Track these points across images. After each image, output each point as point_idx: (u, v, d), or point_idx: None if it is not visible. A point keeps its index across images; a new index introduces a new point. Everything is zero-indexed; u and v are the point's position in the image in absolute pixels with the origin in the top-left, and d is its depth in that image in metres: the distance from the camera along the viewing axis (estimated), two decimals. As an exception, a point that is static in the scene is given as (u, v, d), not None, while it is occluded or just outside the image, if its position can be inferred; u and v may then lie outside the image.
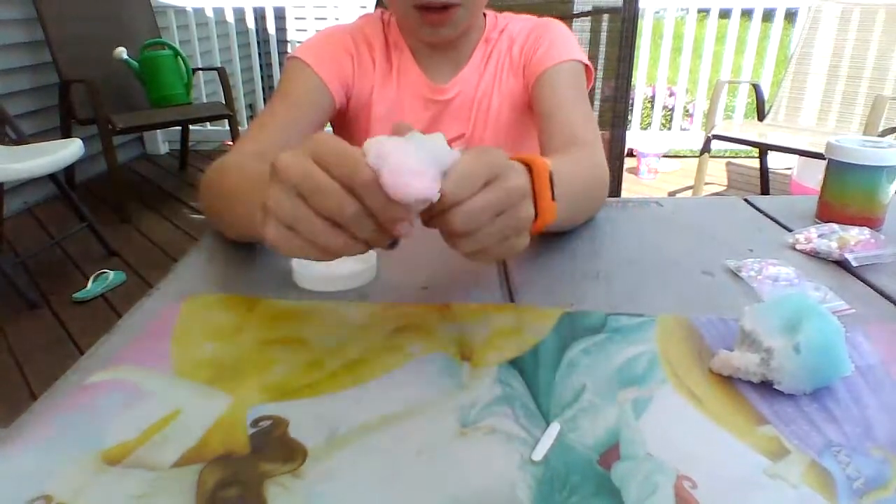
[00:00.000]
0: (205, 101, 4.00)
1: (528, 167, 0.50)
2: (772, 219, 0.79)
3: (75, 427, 0.41)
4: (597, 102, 1.25)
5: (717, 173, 3.66)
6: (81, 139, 2.43)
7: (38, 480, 0.36)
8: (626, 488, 0.36)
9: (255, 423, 0.41)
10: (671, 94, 4.07)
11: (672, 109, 4.03)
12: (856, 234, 0.67)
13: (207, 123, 3.84)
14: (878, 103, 2.44)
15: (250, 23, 4.20)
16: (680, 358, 0.48)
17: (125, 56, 3.09)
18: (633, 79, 1.43)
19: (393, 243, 0.44)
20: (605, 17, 1.25)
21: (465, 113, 0.91)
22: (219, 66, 3.60)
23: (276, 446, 0.39)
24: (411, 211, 0.41)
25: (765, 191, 3.15)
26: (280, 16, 4.65)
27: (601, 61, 1.26)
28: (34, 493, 0.35)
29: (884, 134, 2.50)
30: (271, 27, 4.10)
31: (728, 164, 3.88)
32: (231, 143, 3.79)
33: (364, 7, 3.79)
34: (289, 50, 4.76)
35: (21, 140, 2.47)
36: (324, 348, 0.50)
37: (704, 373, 0.46)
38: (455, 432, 0.40)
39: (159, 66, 3.14)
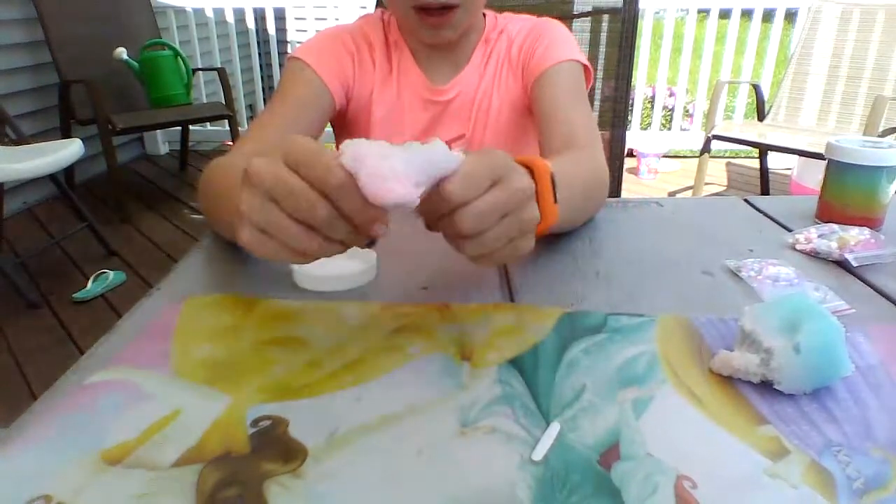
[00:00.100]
0: (205, 101, 4.00)
1: (530, 169, 0.50)
2: (772, 219, 0.79)
3: (75, 427, 0.41)
4: (597, 102, 1.25)
5: (717, 173, 3.66)
6: (81, 139, 2.43)
7: (38, 480, 0.36)
8: (626, 488, 0.36)
9: (255, 422, 0.41)
10: (671, 95, 4.07)
11: (672, 110, 4.03)
12: (856, 234, 0.67)
13: (207, 124, 3.84)
14: (878, 103, 2.44)
15: (250, 23, 4.20)
16: (680, 358, 0.48)
17: (125, 56, 3.09)
18: (633, 79, 1.43)
19: (370, 243, 0.44)
20: (605, 17, 1.25)
21: (465, 114, 0.91)
22: (219, 66, 3.60)
23: (276, 446, 0.39)
24: (388, 213, 0.41)
25: (765, 191, 3.15)
26: (280, 16, 4.65)
27: (601, 61, 1.26)
28: (34, 493, 0.35)
29: (884, 134, 2.50)
30: (271, 27, 4.10)
31: (728, 164, 3.88)
32: (231, 143, 3.79)
33: (364, 7, 3.79)
34: (289, 50, 4.76)
35: (21, 140, 2.47)
36: (324, 348, 0.50)
37: (704, 373, 0.46)
38: (455, 432, 0.40)
39: (159, 66, 3.14)
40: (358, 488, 0.36)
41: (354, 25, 0.91)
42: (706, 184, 3.08)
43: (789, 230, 0.73)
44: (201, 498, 0.35)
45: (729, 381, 0.45)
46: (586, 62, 0.88)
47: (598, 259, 0.66)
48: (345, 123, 0.94)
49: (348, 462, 0.38)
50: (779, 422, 0.41)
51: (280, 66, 4.20)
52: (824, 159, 0.76)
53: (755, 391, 0.44)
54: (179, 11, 3.95)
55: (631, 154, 3.72)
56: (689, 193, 3.25)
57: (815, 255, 0.66)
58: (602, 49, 1.26)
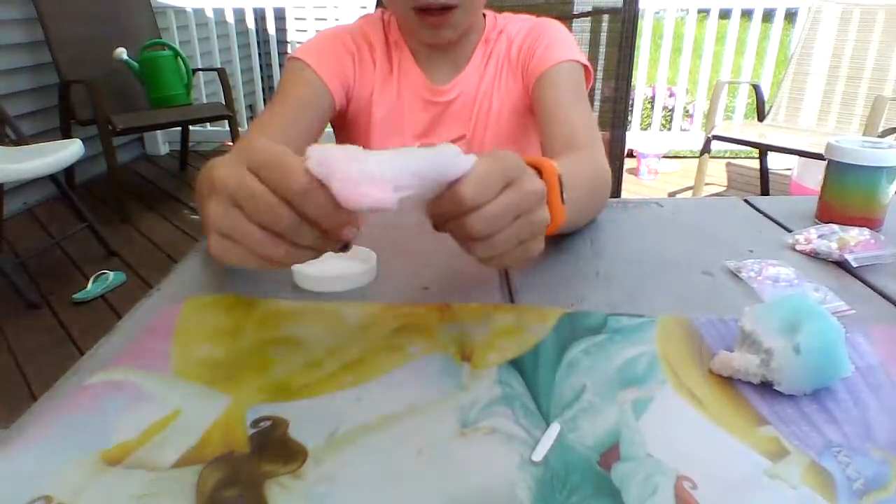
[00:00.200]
0: (205, 101, 4.00)
1: (538, 170, 0.50)
2: (772, 219, 0.79)
3: (75, 427, 0.41)
4: (597, 103, 1.26)
5: (717, 174, 3.66)
6: (81, 139, 2.43)
7: (39, 481, 0.36)
8: (626, 489, 0.36)
9: (255, 423, 0.41)
10: (671, 95, 4.07)
11: (672, 110, 4.03)
12: (856, 234, 0.67)
13: (207, 124, 3.84)
14: (878, 104, 2.44)
15: (250, 23, 4.20)
16: (680, 358, 0.48)
17: (125, 56, 3.09)
18: (633, 79, 1.43)
19: (343, 247, 0.42)
20: (605, 17, 1.25)
21: (466, 114, 0.91)
22: (219, 66, 3.60)
23: (276, 446, 0.39)
24: (357, 216, 0.40)
25: (765, 191, 3.15)
26: (280, 16, 4.65)
27: (601, 62, 1.26)
28: (34, 494, 0.35)
29: (884, 134, 2.50)
30: (271, 27, 4.10)
31: (728, 164, 3.88)
32: (231, 143, 3.79)
33: (364, 7, 3.79)
34: (289, 50, 4.76)
35: (21, 140, 2.47)
36: (324, 348, 0.50)
37: (704, 373, 0.46)
38: (455, 432, 0.40)
39: (159, 66, 3.14)
40: (358, 489, 0.36)
41: (355, 25, 0.91)
42: (706, 184, 3.08)
43: (789, 231, 0.73)
44: (201, 498, 0.35)
45: (729, 381, 0.45)
46: (586, 62, 0.88)
47: (598, 259, 0.66)
48: (345, 124, 0.94)
49: (348, 462, 0.38)
50: (779, 422, 0.41)
51: (280, 66, 4.20)
52: (824, 160, 0.76)
53: (755, 392, 0.44)
54: (179, 11, 3.95)
55: (631, 154, 3.72)
56: (689, 194, 3.25)
57: (815, 256, 0.66)
58: (602, 49, 1.26)
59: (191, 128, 3.80)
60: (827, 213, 0.75)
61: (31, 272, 2.47)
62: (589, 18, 1.27)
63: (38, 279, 2.41)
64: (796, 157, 2.84)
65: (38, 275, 2.45)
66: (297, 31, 4.88)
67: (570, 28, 1.24)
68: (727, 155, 3.99)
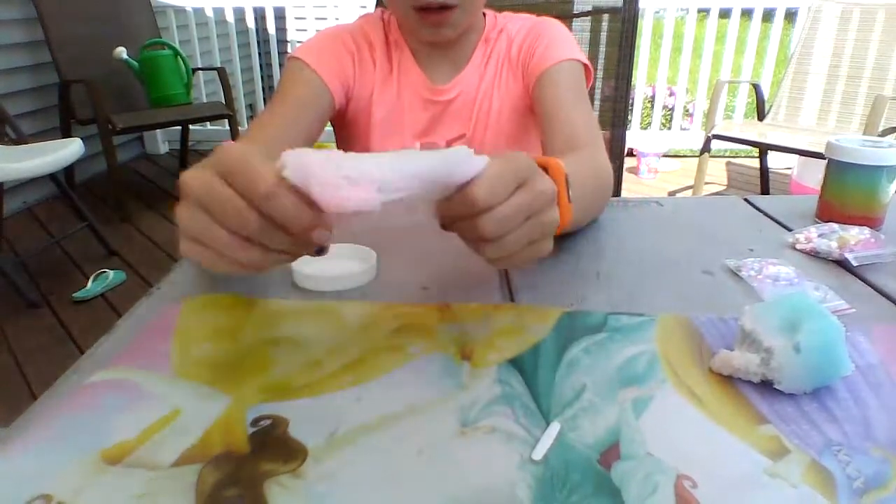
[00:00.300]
0: (205, 101, 4.00)
1: (545, 170, 0.49)
2: (772, 218, 0.79)
3: (75, 427, 0.41)
4: (597, 102, 1.26)
5: (717, 173, 3.66)
6: (81, 139, 2.43)
7: (38, 480, 0.36)
8: (626, 488, 0.36)
9: (255, 422, 0.41)
10: (671, 94, 4.07)
11: (672, 109, 4.03)
12: (856, 233, 0.67)
13: (207, 123, 3.84)
14: (878, 103, 2.44)
15: (250, 23, 4.20)
16: (680, 357, 0.48)
17: (125, 56, 3.09)
18: (633, 79, 1.43)
19: (319, 250, 0.42)
20: (605, 17, 1.25)
21: (466, 113, 0.91)
22: (219, 66, 3.60)
23: (275, 446, 0.39)
24: (329, 220, 0.39)
25: (765, 190, 3.14)
26: (280, 16, 4.65)
27: (601, 61, 1.26)
28: (34, 493, 0.35)
29: (884, 134, 2.50)
30: (271, 27, 4.10)
31: (728, 163, 3.88)
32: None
33: (364, 7, 3.79)
34: (289, 50, 4.76)
35: (21, 140, 2.47)
36: (324, 348, 0.50)
37: (704, 372, 0.46)
38: (455, 432, 0.40)
39: (159, 65, 3.14)
40: (358, 488, 0.36)
41: (355, 25, 0.91)
42: (706, 183, 3.08)
43: (789, 230, 0.73)
44: (201, 498, 0.35)
45: (729, 380, 0.45)
46: (586, 61, 0.88)
47: (598, 259, 0.66)
48: (345, 123, 0.94)
49: (348, 462, 0.38)
50: (779, 421, 0.41)
51: (280, 65, 4.20)
52: (824, 159, 0.76)
53: (755, 391, 0.44)
54: (179, 11, 3.95)
55: (631, 153, 3.72)
56: (689, 193, 3.25)
57: (815, 255, 0.66)
58: (602, 49, 1.26)
59: (191, 127, 3.80)
60: (827, 212, 0.75)
61: (30, 271, 2.47)
62: (589, 18, 1.26)
63: (38, 278, 2.41)
64: (796, 156, 2.84)
65: (38, 274, 2.45)
66: (297, 30, 4.88)
67: (570, 27, 1.24)
68: (727, 154, 3.99)
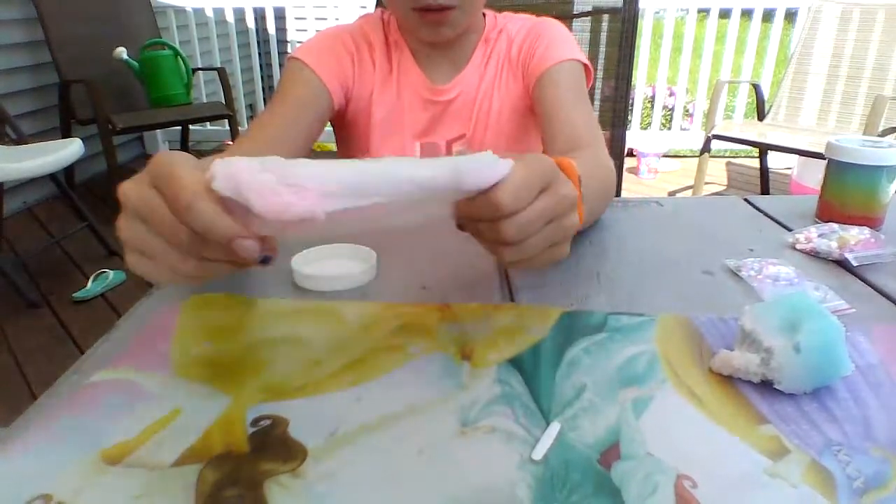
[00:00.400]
0: (205, 101, 4.00)
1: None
2: (772, 218, 0.79)
3: (75, 427, 0.41)
4: (597, 102, 1.25)
5: (717, 173, 3.66)
6: (81, 139, 2.43)
7: (38, 480, 0.36)
8: (626, 487, 0.36)
9: (255, 422, 0.41)
10: (671, 94, 4.07)
11: (672, 109, 4.03)
12: (856, 233, 0.67)
13: (207, 123, 3.84)
14: (878, 103, 2.44)
15: (250, 23, 4.20)
16: (680, 357, 0.48)
17: (125, 56, 3.09)
18: (633, 79, 1.43)
19: (264, 260, 0.39)
20: (605, 17, 1.25)
21: (466, 114, 0.91)
22: (219, 66, 3.60)
23: (275, 446, 0.39)
24: (254, 231, 0.37)
25: (765, 190, 3.14)
26: (280, 16, 4.65)
27: (601, 61, 1.26)
28: (34, 493, 0.35)
29: (884, 134, 2.50)
30: (271, 27, 4.10)
31: (728, 163, 3.88)
32: (231, 143, 3.79)
33: (364, 7, 3.79)
34: (289, 50, 4.76)
35: (21, 140, 2.47)
36: (324, 348, 0.50)
37: (704, 372, 0.46)
38: (455, 432, 0.40)
39: (159, 66, 3.14)
40: (358, 488, 0.36)
41: (354, 25, 0.91)
42: (706, 183, 3.08)
43: (789, 230, 0.73)
44: (201, 498, 0.35)
45: (729, 380, 0.45)
46: (586, 61, 0.88)
47: (599, 259, 0.66)
48: (344, 124, 0.94)
49: (348, 462, 0.38)
50: (779, 421, 0.41)
51: (280, 66, 4.20)
52: (824, 159, 0.76)
53: (755, 391, 0.44)
54: (179, 11, 3.95)
55: (631, 154, 3.72)
56: (689, 193, 3.25)
57: (815, 255, 0.66)
58: (602, 49, 1.26)
59: (191, 127, 3.80)
60: (827, 212, 0.75)
61: (30, 271, 2.47)
62: (589, 18, 1.26)
63: (38, 278, 2.40)
64: (796, 156, 2.84)
65: (38, 274, 2.45)
66: (297, 30, 4.88)
67: (570, 28, 1.24)
68: (727, 154, 3.99)
